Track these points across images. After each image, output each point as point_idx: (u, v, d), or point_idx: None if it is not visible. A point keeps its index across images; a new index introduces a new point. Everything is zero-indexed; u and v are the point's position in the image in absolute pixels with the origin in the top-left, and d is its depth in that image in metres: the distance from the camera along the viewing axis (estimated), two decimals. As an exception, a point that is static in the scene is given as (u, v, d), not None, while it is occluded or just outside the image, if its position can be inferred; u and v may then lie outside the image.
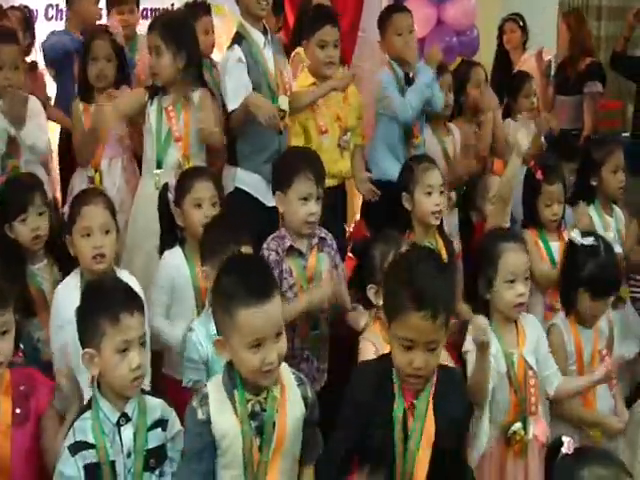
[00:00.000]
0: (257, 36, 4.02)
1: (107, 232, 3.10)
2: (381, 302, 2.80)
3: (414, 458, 2.39)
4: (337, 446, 2.46)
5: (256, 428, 2.32)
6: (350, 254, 3.40)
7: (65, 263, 3.26)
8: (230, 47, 4.02)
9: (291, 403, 2.38)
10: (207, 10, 5.00)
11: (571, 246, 3.29)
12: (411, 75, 4.45)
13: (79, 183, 4.24)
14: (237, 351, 2.28)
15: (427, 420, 2.39)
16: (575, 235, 3.30)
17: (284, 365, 2.39)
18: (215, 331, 2.70)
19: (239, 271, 2.36)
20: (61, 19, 5.57)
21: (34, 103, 4.17)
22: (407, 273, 2.34)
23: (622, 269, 3.64)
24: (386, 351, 2.63)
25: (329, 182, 4.15)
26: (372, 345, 2.91)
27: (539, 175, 3.89)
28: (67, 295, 2.98)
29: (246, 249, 2.98)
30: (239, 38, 4.00)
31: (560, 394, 3.08)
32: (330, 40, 4.19)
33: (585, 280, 3.18)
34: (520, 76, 5.48)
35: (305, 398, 2.41)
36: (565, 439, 1.99)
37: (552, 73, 6.40)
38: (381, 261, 2.96)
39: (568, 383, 3.09)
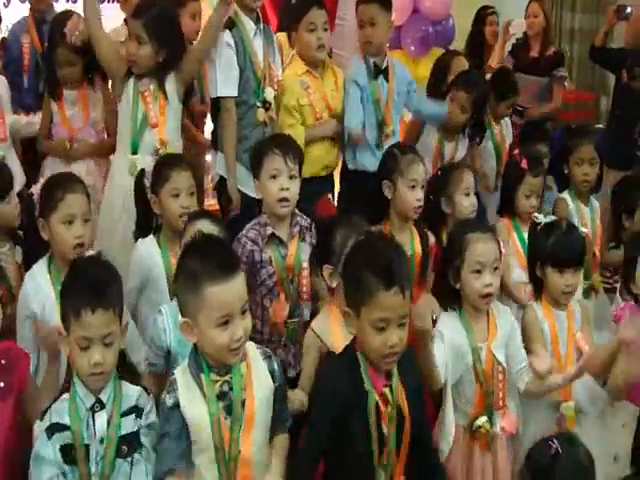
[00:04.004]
0: (249, 25, 4.02)
1: (86, 221, 3.09)
2: (334, 284, 2.87)
3: (393, 443, 2.44)
4: (311, 448, 2.49)
5: (225, 408, 2.33)
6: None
7: (33, 246, 3.21)
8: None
9: (258, 379, 2.40)
10: None
11: (534, 226, 3.30)
12: (383, 67, 4.37)
13: (51, 166, 4.21)
14: (205, 331, 2.29)
15: (402, 405, 2.45)
16: (538, 215, 3.34)
17: (248, 342, 2.41)
18: None
19: (203, 250, 2.37)
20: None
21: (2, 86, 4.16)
22: (370, 257, 2.44)
23: (588, 248, 3.59)
24: (332, 342, 2.76)
25: (319, 173, 4.18)
26: (317, 340, 2.91)
27: (524, 164, 3.92)
28: (35, 286, 2.98)
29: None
30: (231, 23, 4.01)
31: (530, 391, 3.00)
32: (319, 22, 4.12)
33: (549, 253, 3.16)
34: (502, 74, 5.43)
35: (272, 372, 2.45)
36: None
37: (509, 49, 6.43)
38: (341, 245, 2.91)
39: (540, 384, 2.95)
